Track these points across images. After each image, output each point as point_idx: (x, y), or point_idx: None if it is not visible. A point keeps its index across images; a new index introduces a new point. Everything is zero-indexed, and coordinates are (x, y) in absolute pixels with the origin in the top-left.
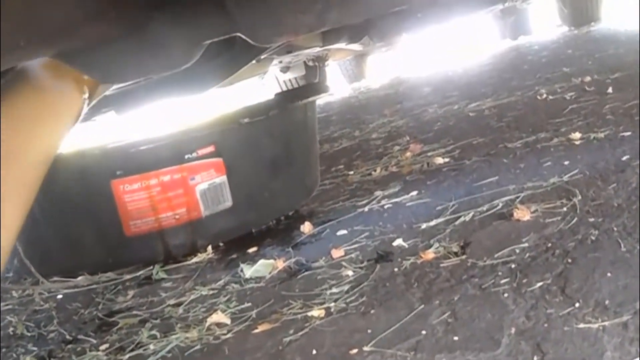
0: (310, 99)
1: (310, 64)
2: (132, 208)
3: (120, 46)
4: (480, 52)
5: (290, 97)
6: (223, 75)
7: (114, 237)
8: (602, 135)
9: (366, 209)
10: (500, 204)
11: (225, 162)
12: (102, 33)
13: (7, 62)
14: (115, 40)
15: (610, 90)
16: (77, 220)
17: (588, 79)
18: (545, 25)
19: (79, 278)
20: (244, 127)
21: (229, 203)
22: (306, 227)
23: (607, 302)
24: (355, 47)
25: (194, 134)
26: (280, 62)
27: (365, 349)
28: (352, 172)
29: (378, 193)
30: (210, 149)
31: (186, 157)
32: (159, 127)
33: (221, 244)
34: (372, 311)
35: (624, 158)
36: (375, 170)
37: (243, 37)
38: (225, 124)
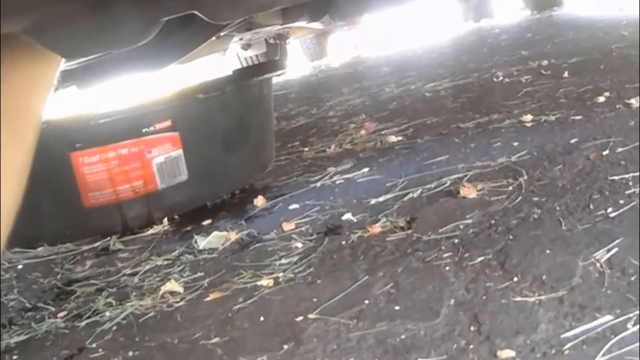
0: (266, 76)
1: (272, 41)
2: (91, 180)
3: (81, 22)
4: (442, 34)
5: (246, 74)
6: (183, 51)
7: (73, 208)
8: (553, 118)
9: (319, 184)
10: (448, 182)
11: (182, 136)
12: (65, 9)
13: None
14: (77, 16)
15: (566, 74)
16: (37, 192)
17: (545, 62)
18: (508, 8)
19: (39, 249)
20: (200, 102)
21: (184, 176)
22: (259, 201)
23: (544, 277)
24: (317, 25)
25: (152, 109)
26: (241, 39)
27: (311, 316)
28: (307, 149)
29: (331, 169)
30: (167, 123)
31: (144, 130)
32: (118, 101)
33: (177, 217)
34: (319, 281)
35: (573, 141)
36: (329, 147)
37: (199, 14)
38: (182, 99)
